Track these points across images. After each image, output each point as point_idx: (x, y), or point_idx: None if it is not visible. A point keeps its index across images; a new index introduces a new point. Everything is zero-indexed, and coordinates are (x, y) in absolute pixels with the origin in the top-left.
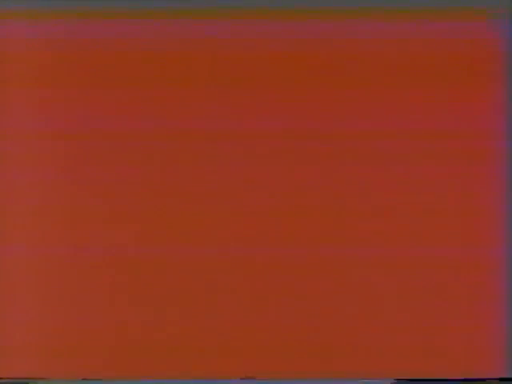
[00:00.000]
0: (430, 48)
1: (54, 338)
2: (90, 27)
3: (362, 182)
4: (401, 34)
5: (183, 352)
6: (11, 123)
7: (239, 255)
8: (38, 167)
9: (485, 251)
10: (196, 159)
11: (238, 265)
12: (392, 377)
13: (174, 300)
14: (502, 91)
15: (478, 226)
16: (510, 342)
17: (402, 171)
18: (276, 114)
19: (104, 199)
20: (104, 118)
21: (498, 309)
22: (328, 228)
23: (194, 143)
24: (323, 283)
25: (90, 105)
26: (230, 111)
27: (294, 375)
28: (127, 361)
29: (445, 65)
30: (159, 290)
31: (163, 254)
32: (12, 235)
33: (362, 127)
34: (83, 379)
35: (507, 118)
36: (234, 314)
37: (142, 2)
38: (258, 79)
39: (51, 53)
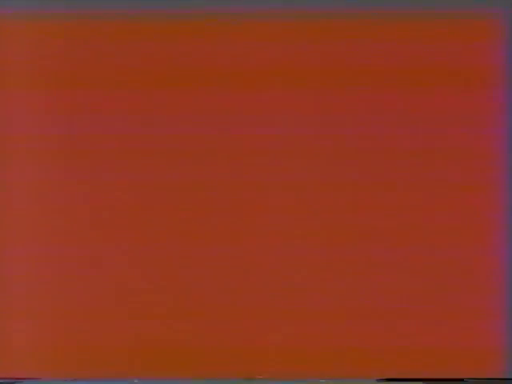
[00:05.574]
0: (429, 46)
1: (53, 338)
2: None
3: (360, 179)
4: (398, 35)
5: (183, 352)
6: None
7: (234, 257)
8: (37, 166)
9: (485, 251)
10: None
11: (233, 267)
12: (392, 377)
13: (174, 301)
14: (502, 92)
15: (478, 226)
16: (510, 342)
17: (402, 171)
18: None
19: (104, 199)
20: (103, 119)
21: (498, 309)
22: (327, 227)
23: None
24: (321, 284)
25: (89, 105)
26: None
27: (293, 375)
28: (127, 361)
29: (444, 64)
30: (159, 291)
31: (162, 255)
32: (12, 235)
33: (363, 127)
34: (83, 379)
35: (507, 119)
36: (229, 314)
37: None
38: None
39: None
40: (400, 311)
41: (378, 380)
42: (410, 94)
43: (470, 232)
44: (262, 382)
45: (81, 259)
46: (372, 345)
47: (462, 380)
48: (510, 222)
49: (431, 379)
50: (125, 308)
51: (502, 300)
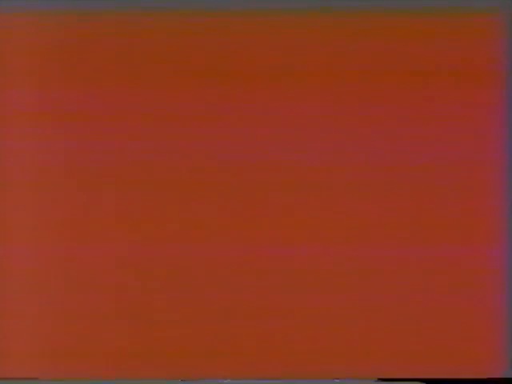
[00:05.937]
0: (429, 47)
1: (53, 338)
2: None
3: (361, 178)
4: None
5: (183, 352)
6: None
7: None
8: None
9: (485, 251)
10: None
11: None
12: (392, 376)
13: (173, 300)
14: (502, 92)
15: (478, 226)
16: (510, 342)
17: (402, 173)
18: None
19: (105, 198)
20: (105, 117)
21: (498, 309)
22: (323, 228)
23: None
24: (320, 284)
25: (90, 103)
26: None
27: (292, 375)
28: (127, 361)
29: (444, 64)
30: (158, 291)
31: (162, 254)
32: (12, 235)
33: (362, 127)
34: (83, 379)
35: (507, 119)
36: (224, 314)
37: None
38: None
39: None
40: (399, 311)
41: (378, 380)
42: (408, 92)
43: (471, 232)
44: (262, 381)
45: (81, 262)
46: (372, 344)
47: (461, 380)
48: (510, 223)
49: (431, 379)
50: (126, 311)
51: (502, 300)
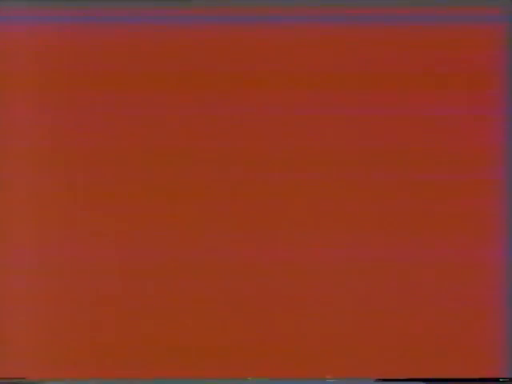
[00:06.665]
0: (427, 45)
1: (53, 338)
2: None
3: (362, 179)
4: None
5: (183, 352)
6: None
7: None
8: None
9: (485, 251)
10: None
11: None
12: (392, 376)
13: (173, 301)
14: (502, 91)
15: (478, 226)
16: (510, 342)
17: (402, 173)
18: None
19: (102, 202)
20: (103, 121)
21: (498, 309)
22: (324, 230)
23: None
24: (320, 285)
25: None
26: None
27: (292, 375)
28: (126, 361)
29: (443, 63)
30: (158, 291)
31: (160, 256)
32: (12, 236)
33: (361, 126)
34: (83, 379)
35: (507, 119)
36: (224, 315)
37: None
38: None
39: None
40: (398, 311)
41: (378, 380)
42: (405, 91)
43: (472, 232)
44: (262, 381)
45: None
46: (372, 344)
47: (462, 380)
48: (510, 223)
49: (431, 379)
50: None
51: (502, 299)
